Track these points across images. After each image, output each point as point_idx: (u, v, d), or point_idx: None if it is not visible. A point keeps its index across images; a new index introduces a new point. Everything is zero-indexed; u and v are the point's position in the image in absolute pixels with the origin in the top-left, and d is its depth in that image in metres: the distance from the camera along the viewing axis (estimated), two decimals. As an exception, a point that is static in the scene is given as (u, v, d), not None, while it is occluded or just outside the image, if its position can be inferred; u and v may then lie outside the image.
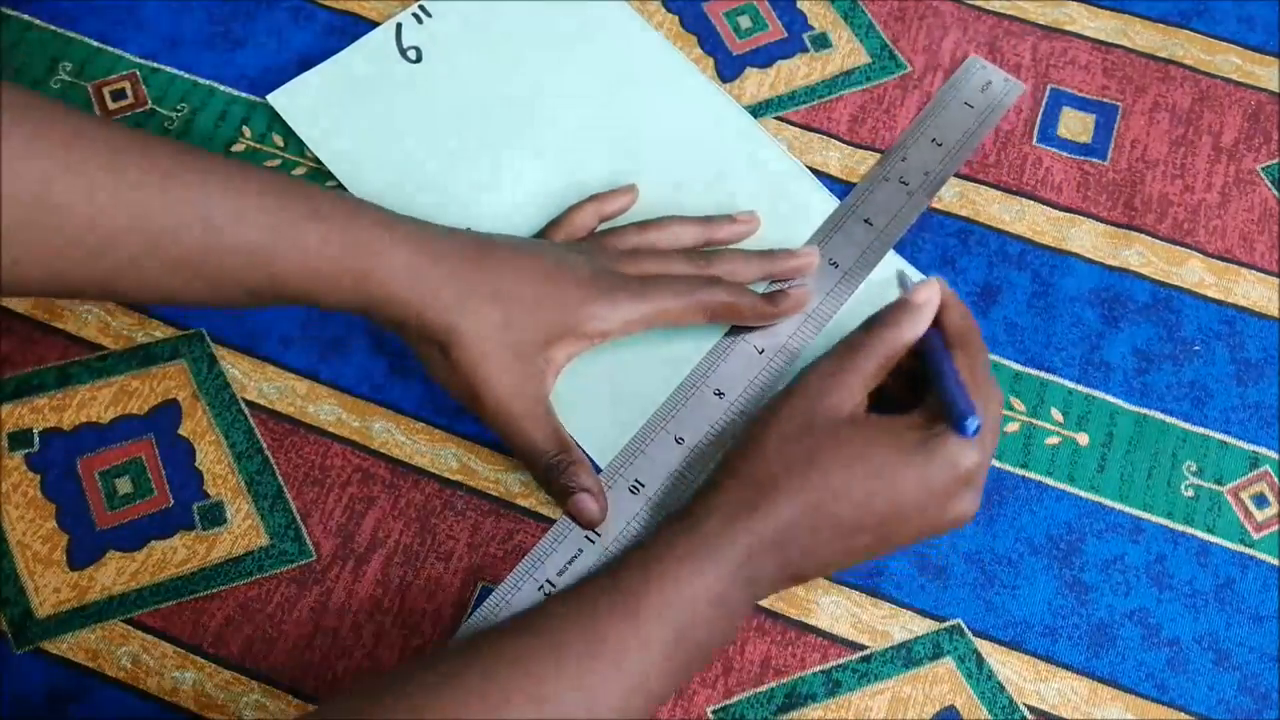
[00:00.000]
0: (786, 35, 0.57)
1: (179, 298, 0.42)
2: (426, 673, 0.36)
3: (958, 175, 0.54)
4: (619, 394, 0.48)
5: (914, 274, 0.51)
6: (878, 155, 0.54)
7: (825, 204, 0.53)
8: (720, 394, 0.47)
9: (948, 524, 0.40)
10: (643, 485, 0.46)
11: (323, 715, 0.36)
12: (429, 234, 0.44)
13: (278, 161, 0.53)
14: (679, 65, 0.56)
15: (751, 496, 0.39)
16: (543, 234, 0.50)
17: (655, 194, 0.52)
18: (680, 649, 0.38)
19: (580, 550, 0.44)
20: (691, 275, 0.47)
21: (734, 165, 0.53)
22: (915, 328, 0.42)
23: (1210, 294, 0.52)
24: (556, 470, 0.44)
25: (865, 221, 0.51)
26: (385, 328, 0.45)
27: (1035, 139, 0.55)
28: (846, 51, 0.57)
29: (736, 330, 0.49)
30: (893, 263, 0.51)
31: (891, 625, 0.45)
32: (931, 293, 0.42)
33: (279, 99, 0.54)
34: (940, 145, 0.53)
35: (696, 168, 0.53)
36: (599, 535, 0.45)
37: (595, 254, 0.47)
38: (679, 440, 0.47)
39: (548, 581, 0.44)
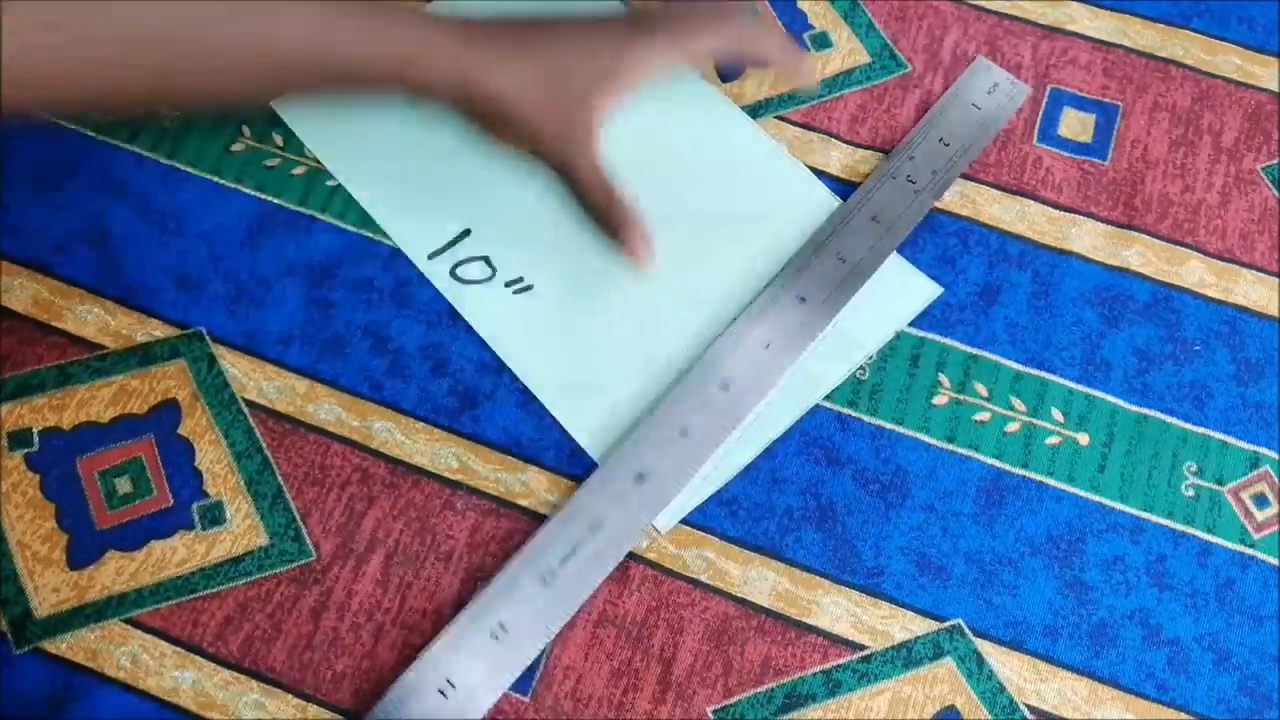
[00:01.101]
0: (787, 35, 0.57)
1: (233, 92, 0.43)
2: None
3: (959, 175, 0.54)
4: (618, 390, 0.48)
5: (918, 277, 0.51)
6: (879, 154, 0.54)
7: (824, 200, 0.53)
8: (725, 387, 0.47)
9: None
10: (645, 477, 0.46)
11: None
12: (461, 22, 0.45)
13: (277, 161, 0.53)
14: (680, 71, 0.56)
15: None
16: None
17: (656, 196, 0.52)
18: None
19: (581, 541, 0.44)
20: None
21: (734, 165, 0.53)
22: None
23: (1210, 294, 0.52)
24: (622, 203, 0.45)
25: (873, 219, 0.51)
26: (430, 104, 0.45)
27: (1035, 139, 0.55)
28: (846, 51, 0.57)
29: (743, 323, 0.49)
30: (895, 262, 0.51)
31: (891, 625, 0.45)
32: None
33: (283, 104, 0.54)
34: (947, 145, 0.53)
35: (698, 169, 0.53)
36: (602, 527, 0.45)
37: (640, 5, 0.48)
38: (683, 433, 0.46)
39: (550, 572, 0.44)
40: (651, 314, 0.50)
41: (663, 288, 0.51)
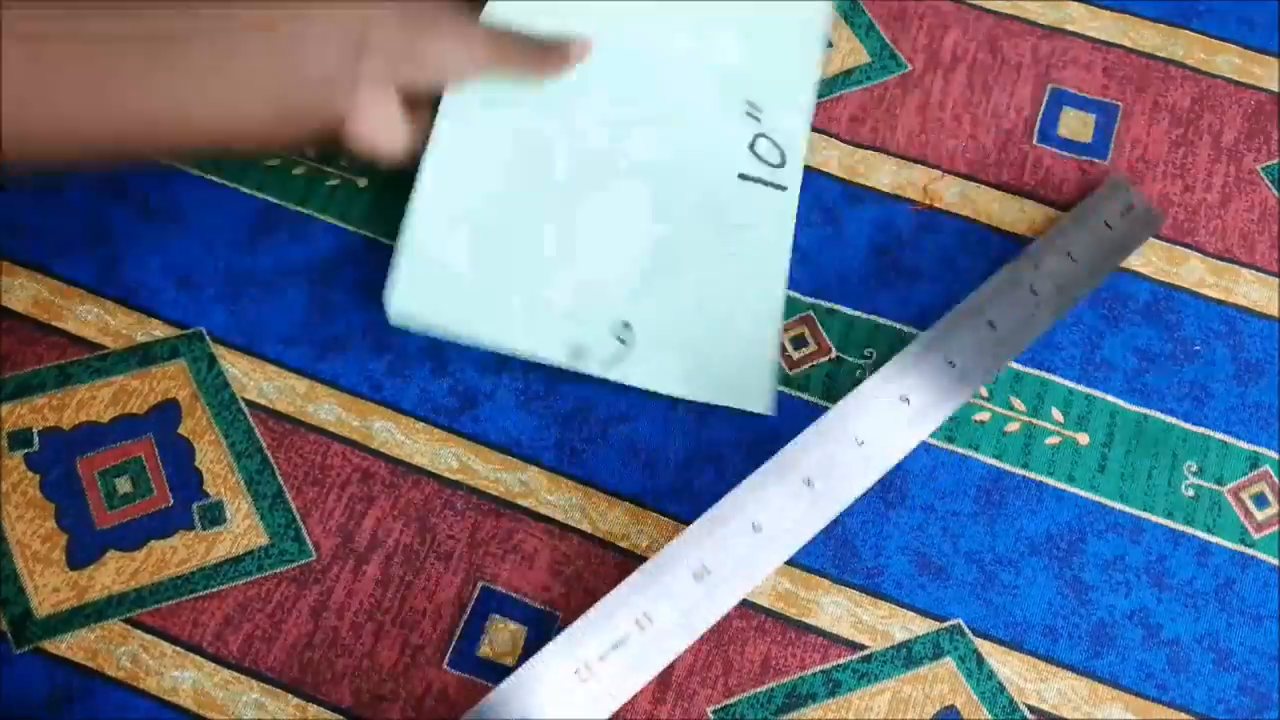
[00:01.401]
0: (787, 35, 0.57)
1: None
2: None
3: (958, 175, 0.54)
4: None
5: None
6: (879, 154, 0.54)
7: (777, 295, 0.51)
8: (810, 484, 0.44)
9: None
10: (710, 571, 0.43)
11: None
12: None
13: (277, 161, 0.53)
14: (800, 96, 0.55)
15: None
16: None
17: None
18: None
19: (628, 635, 0.41)
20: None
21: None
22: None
23: (1210, 294, 0.52)
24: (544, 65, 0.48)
25: (989, 324, 0.48)
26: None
27: (1035, 139, 0.55)
28: (846, 51, 0.57)
29: (841, 417, 0.45)
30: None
31: (891, 625, 0.45)
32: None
33: (398, 310, 0.52)
34: (1075, 261, 0.50)
35: (724, 176, 0.53)
36: (650, 622, 0.41)
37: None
38: (756, 528, 0.43)
39: (584, 666, 0.41)
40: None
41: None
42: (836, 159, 0.54)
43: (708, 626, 0.42)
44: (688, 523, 0.47)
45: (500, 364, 0.49)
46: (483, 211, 0.49)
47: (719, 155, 0.52)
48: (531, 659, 0.41)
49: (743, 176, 0.52)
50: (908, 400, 0.46)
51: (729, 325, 0.50)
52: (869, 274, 0.52)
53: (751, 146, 0.53)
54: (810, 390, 0.49)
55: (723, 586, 0.42)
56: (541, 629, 0.45)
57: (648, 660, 0.41)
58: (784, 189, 0.52)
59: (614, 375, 0.48)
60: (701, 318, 0.50)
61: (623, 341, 0.48)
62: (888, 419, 0.45)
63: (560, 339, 0.48)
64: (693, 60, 0.53)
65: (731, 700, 0.44)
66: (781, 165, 0.53)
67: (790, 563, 0.46)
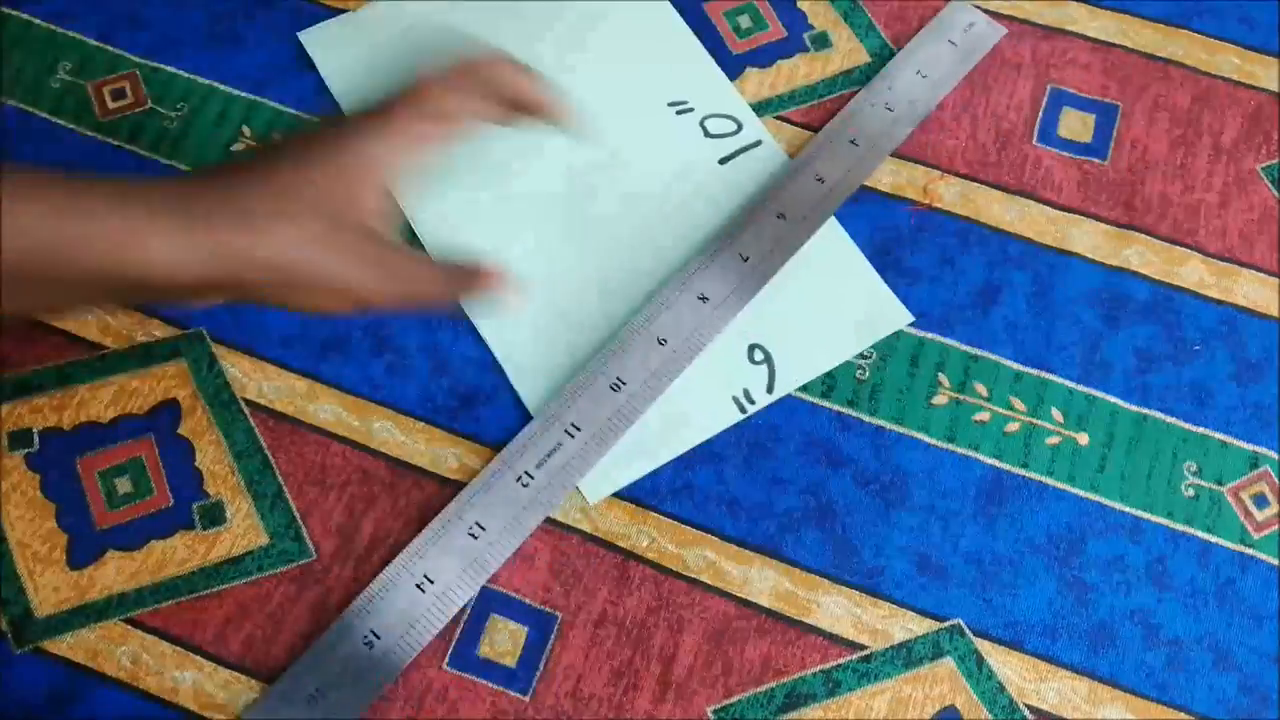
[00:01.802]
0: (786, 35, 0.57)
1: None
2: None
3: (958, 175, 0.54)
4: (555, 340, 0.49)
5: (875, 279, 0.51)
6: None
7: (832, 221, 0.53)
8: (663, 341, 0.48)
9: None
10: (623, 384, 0.47)
11: None
12: (184, 195, 0.39)
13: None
14: (711, 77, 0.56)
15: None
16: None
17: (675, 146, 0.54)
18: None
19: (559, 444, 0.46)
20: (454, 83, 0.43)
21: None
22: None
23: (1210, 294, 0.52)
24: (458, 276, 0.41)
25: (851, 142, 0.53)
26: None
27: (1035, 139, 0.55)
28: (846, 51, 0.57)
29: (682, 278, 0.50)
30: (872, 282, 0.51)
31: (891, 625, 0.45)
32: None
33: (310, 36, 0.56)
34: (925, 78, 0.55)
35: (706, 167, 0.54)
36: (578, 428, 0.46)
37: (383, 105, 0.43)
38: (661, 341, 0.48)
39: (525, 474, 0.45)
40: (610, 277, 0.51)
41: (622, 251, 0.52)
42: (836, 159, 0.54)
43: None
44: (688, 522, 0.47)
45: (499, 364, 0.49)
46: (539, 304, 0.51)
47: (690, 159, 0.54)
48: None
49: (723, 160, 0.54)
50: (782, 216, 0.51)
51: (826, 276, 0.51)
52: (869, 274, 0.52)
53: (706, 132, 0.54)
54: (809, 391, 0.49)
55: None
56: (541, 629, 0.45)
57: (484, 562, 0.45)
58: (759, 143, 0.54)
59: (780, 394, 0.49)
60: (804, 292, 0.51)
61: (761, 361, 0.50)
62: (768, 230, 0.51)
63: (720, 402, 0.49)
64: (604, 92, 0.55)
65: (731, 700, 0.44)
66: (740, 128, 0.55)
67: (790, 562, 0.46)
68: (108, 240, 0.37)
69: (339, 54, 0.55)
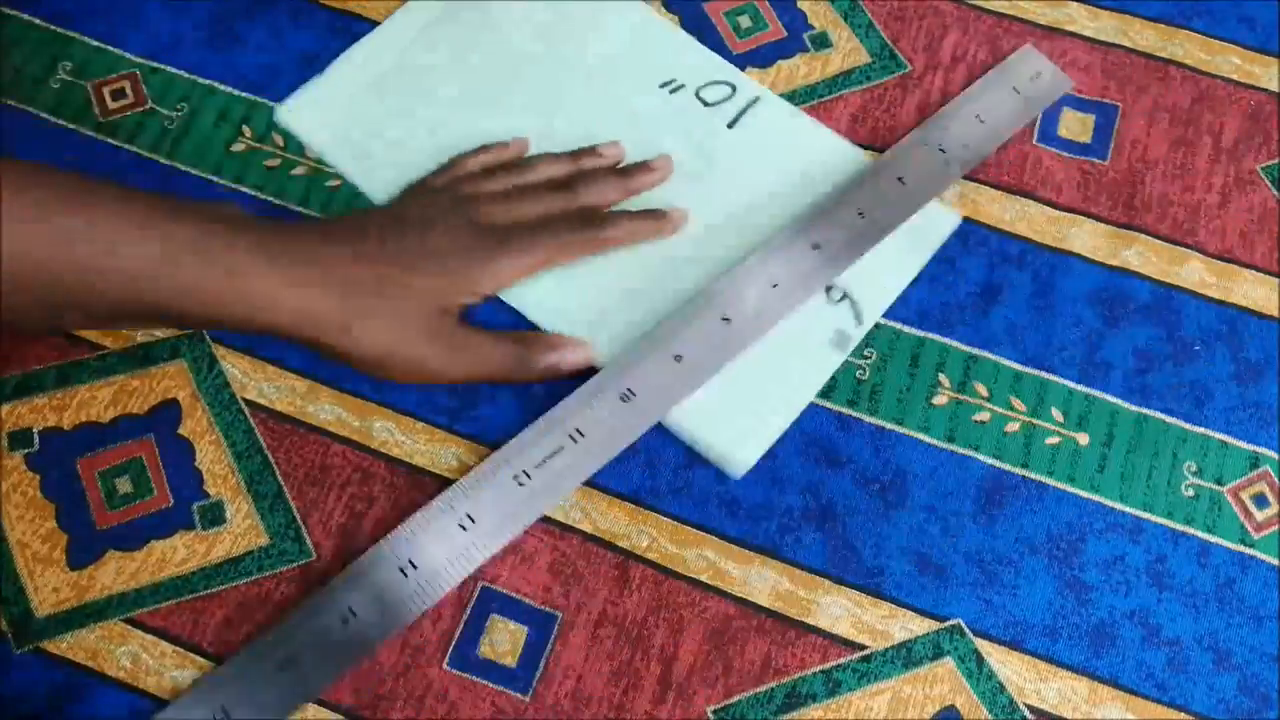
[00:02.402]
0: (786, 35, 0.57)
1: (60, 326, 0.45)
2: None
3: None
4: (626, 301, 0.50)
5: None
6: (879, 154, 0.54)
7: (848, 153, 0.54)
8: (727, 320, 0.48)
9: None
10: (634, 394, 0.47)
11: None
12: (303, 252, 0.44)
13: (278, 161, 0.53)
14: (696, 52, 0.57)
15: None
16: (423, 182, 0.51)
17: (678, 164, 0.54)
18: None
19: (562, 446, 0.46)
20: (567, 213, 0.50)
21: (749, 130, 0.55)
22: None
23: (1210, 294, 0.52)
24: (526, 358, 0.47)
25: (899, 179, 0.52)
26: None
27: (1035, 139, 0.55)
28: (846, 51, 0.57)
29: (753, 259, 0.50)
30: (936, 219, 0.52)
31: (891, 625, 0.45)
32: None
33: (286, 115, 0.54)
34: (984, 123, 0.54)
35: (715, 135, 0.54)
36: (582, 435, 0.46)
37: (464, 207, 0.49)
38: (677, 358, 0.47)
39: (524, 472, 0.45)
40: (677, 261, 0.51)
41: (691, 239, 0.52)
42: (836, 159, 0.54)
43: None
44: (688, 522, 0.47)
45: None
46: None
47: (698, 132, 0.54)
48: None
49: (730, 125, 0.55)
50: (818, 247, 0.50)
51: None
52: (869, 274, 0.52)
53: (705, 103, 0.55)
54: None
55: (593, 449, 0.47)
56: (542, 629, 0.45)
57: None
58: (758, 99, 0.55)
59: (869, 324, 0.50)
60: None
61: (841, 299, 0.51)
62: (802, 262, 0.50)
63: (819, 348, 0.50)
64: (593, 89, 0.55)
65: (731, 700, 0.44)
66: (734, 89, 0.55)
67: (791, 562, 0.46)
68: (242, 291, 0.43)
69: (320, 119, 0.54)
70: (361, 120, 0.54)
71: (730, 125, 0.54)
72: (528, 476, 0.45)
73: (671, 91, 0.55)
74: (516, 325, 0.50)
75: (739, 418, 0.48)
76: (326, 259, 0.45)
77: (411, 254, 0.46)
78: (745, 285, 0.49)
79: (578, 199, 0.50)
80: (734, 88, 0.55)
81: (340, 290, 0.44)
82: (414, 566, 0.44)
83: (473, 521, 0.45)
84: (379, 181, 0.52)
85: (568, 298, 0.50)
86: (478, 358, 0.46)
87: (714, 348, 0.48)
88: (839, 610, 0.45)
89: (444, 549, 0.44)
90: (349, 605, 0.43)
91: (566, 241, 0.49)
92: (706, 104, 0.55)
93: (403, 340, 0.45)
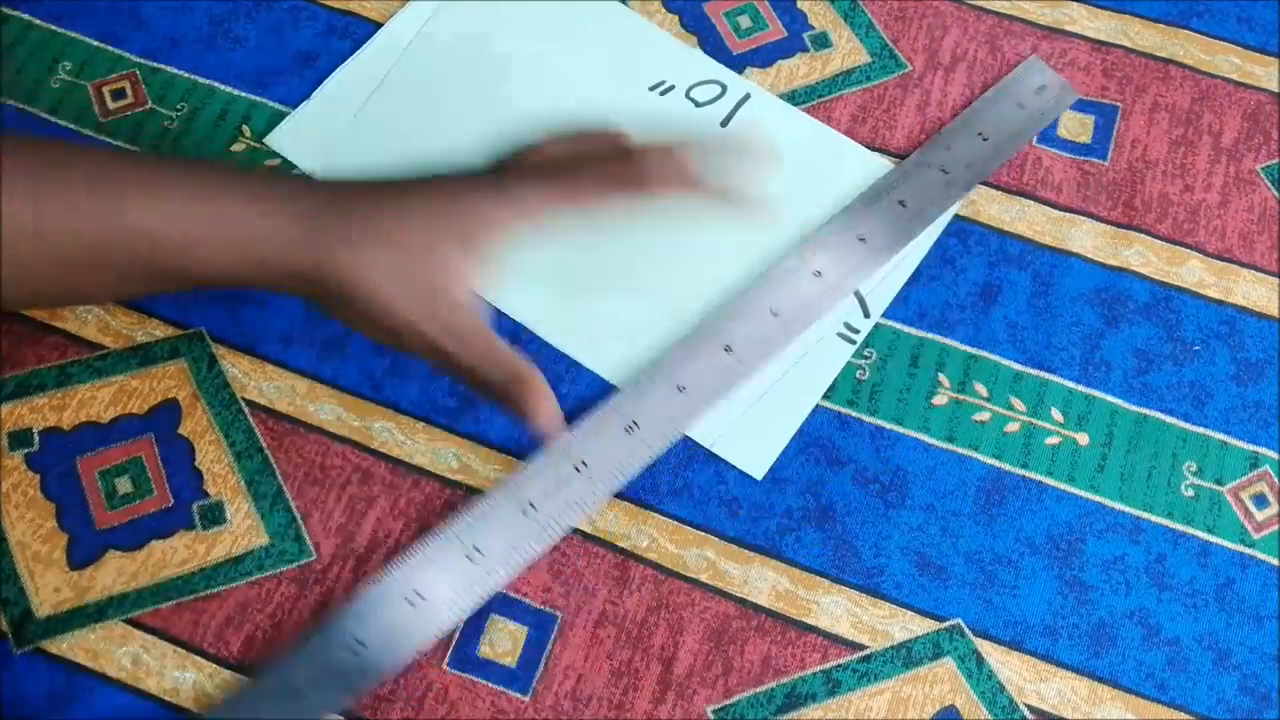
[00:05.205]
0: (787, 35, 0.57)
1: (77, 294, 0.44)
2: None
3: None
4: (627, 326, 0.50)
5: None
6: (880, 155, 0.54)
7: (844, 147, 0.54)
8: (729, 349, 0.48)
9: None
10: (638, 427, 0.47)
11: None
12: (312, 198, 0.42)
13: (277, 161, 0.53)
14: (683, 53, 0.56)
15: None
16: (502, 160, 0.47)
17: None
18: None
19: (569, 478, 0.45)
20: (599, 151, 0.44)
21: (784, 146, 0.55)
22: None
23: (1210, 294, 0.52)
24: (509, 398, 0.41)
25: (900, 203, 0.52)
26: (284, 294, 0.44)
27: (1035, 139, 0.55)
28: (846, 51, 0.57)
29: (754, 290, 0.50)
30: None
31: (891, 625, 0.45)
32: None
33: (279, 140, 0.54)
34: (986, 140, 0.53)
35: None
36: (587, 465, 0.46)
37: (501, 158, 0.44)
38: (680, 389, 0.47)
39: (530, 504, 0.45)
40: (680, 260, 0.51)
41: (692, 240, 0.51)
42: (836, 159, 0.54)
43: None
44: (688, 522, 0.47)
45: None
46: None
47: (692, 133, 0.53)
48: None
49: (724, 123, 0.55)
50: (819, 274, 0.50)
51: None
52: (869, 274, 0.52)
53: (696, 103, 0.55)
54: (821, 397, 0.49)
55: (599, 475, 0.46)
56: (542, 629, 0.45)
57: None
58: (748, 96, 0.55)
59: (876, 317, 0.50)
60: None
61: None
62: (804, 290, 0.50)
63: (828, 343, 0.50)
64: (583, 95, 0.55)
65: (731, 700, 0.44)
66: (724, 88, 0.55)
67: (791, 562, 0.46)
68: (236, 234, 0.41)
69: (310, 143, 0.53)
70: (351, 144, 0.53)
71: (723, 124, 0.54)
72: (534, 508, 0.45)
73: (661, 94, 0.55)
74: (515, 340, 0.50)
75: (757, 420, 0.48)
76: (329, 190, 0.43)
77: (422, 204, 0.42)
78: (745, 314, 0.49)
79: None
80: (724, 86, 0.55)
81: (348, 244, 0.41)
82: (421, 598, 0.44)
83: (480, 553, 0.44)
84: None
85: (569, 302, 0.50)
86: (476, 329, 0.42)
87: (716, 377, 0.48)
88: (839, 610, 0.45)
89: (452, 580, 0.44)
90: (356, 636, 0.43)
91: (598, 174, 0.43)
92: (698, 104, 0.55)
93: (411, 292, 0.41)
